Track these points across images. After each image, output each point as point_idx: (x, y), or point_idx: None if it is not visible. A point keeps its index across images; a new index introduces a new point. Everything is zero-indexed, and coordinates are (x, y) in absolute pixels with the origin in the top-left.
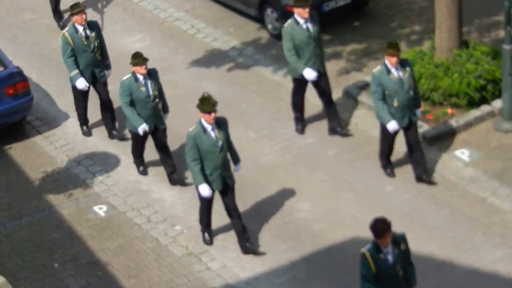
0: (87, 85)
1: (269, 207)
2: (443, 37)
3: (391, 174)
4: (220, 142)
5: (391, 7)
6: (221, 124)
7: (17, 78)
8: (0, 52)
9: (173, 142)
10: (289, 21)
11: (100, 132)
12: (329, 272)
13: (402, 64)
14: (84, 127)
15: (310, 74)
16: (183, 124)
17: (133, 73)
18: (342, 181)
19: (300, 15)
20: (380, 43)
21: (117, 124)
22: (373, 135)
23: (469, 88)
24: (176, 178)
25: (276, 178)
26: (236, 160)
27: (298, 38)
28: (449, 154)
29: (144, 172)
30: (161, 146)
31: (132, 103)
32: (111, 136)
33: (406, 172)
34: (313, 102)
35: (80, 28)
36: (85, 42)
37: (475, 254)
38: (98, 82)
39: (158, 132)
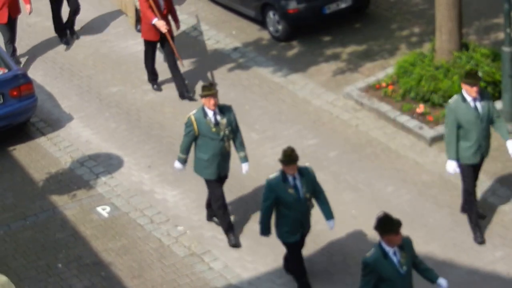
0: (182, 168)
1: None
2: (444, 39)
3: None
4: (405, 268)
5: (392, 10)
6: (405, 245)
7: (21, 80)
8: (5, 55)
9: (175, 142)
10: (455, 97)
11: (103, 133)
12: (330, 272)
13: None
14: (231, 236)
15: (450, 167)
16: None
17: (282, 172)
18: (343, 181)
19: (468, 92)
20: (380, 45)
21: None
22: (374, 136)
23: None
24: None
25: None
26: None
27: (464, 118)
28: None
29: None
30: None
31: (275, 205)
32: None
33: (407, 172)
34: (313, 103)
35: (210, 113)
36: (214, 129)
37: (475, 254)
38: (220, 175)
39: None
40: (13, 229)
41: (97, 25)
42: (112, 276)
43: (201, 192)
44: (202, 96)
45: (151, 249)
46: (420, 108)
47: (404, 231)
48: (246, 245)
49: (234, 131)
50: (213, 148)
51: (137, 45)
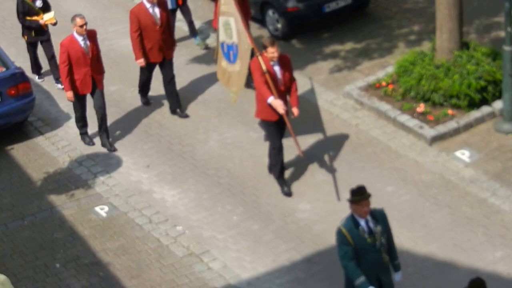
0: None
1: (270, 207)
2: (444, 38)
3: None
4: None
5: (392, 8)
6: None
7: (19, 79)
8: (2, 53)
9: (174, 142)
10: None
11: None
12: (329, 273)
13: None
14: None
15: None
16: (184, 124)
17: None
18: (343, 181)
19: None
20: (380, 44)
21: None
22: (374, 136)
23: (470, 89)
24: None
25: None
26: None
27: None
28: (450, 155)
29: None
30: None
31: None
32: None
33: (407, 172)
34: (312, 102)
35: (362, 221)
36: (369, 240)
37: (475, 254)
38: None
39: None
40: (11, 229)
41: (95, 23)
42: (110, 276)
43: (200, 192)
44: (352, 202)
45: (149, 249)
46: (420, 107)
47: (404, 231)
48: (245, 245)
49: (388, 237)
50: (369, 262)
51: None
